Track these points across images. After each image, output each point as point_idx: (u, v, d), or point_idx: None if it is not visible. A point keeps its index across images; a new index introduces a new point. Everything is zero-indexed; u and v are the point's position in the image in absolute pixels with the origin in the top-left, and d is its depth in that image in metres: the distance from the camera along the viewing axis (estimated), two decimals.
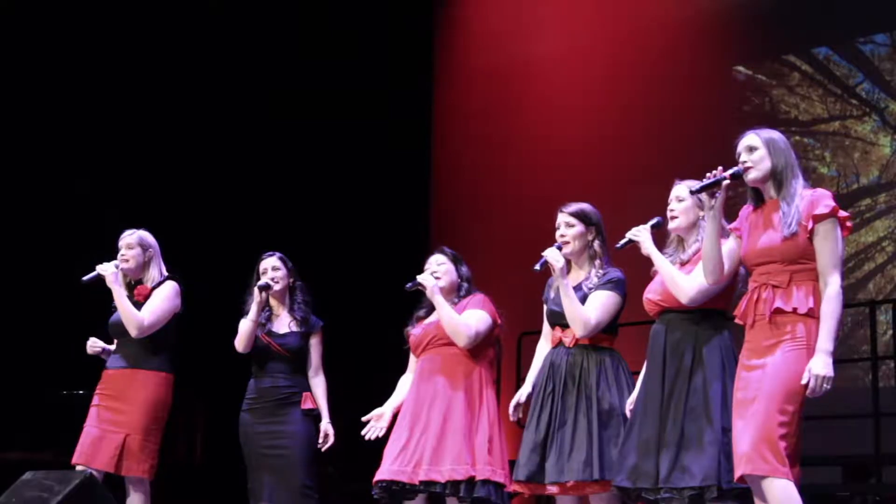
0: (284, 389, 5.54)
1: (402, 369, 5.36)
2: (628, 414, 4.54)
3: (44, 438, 7.43)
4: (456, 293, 5.18)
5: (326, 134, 9.83)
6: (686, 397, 4.28)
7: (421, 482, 4.88)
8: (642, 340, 4.54)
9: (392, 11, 10.04)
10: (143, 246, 5.53)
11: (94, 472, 5.06)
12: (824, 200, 3.93)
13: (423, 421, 4.98)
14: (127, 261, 5.49)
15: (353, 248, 9.55)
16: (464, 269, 5.23)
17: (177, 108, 9.26)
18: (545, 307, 4.90)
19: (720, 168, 4.09)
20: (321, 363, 5.66)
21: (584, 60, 9.82)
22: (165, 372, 5.41)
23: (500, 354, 5.25)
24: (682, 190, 4.47)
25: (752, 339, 3.99)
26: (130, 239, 5.54)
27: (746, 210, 4.17)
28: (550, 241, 4.81)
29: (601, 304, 4.70)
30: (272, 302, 5.68)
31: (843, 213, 3.95)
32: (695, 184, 4.20)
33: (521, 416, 4.90)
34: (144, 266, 5.53)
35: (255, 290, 5.51)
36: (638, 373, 4.59)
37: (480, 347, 5.07)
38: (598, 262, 4.80)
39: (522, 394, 4.89)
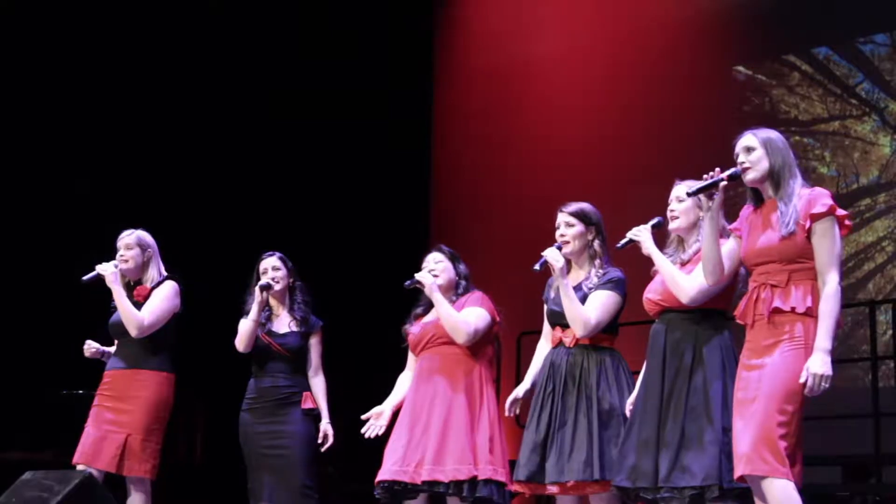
0: (284, 389, 5.55)
1: (402, 369, 5.35)
2: (628, 414, 4.53)
3: (44, 438, 7.42)
4: (454, 291, 5.18)
5: (326, 134, 9.82)
6: (686, 397, 4.28)
7: (424, 482, 4.87)
8: (642, 340, 4.53)
9: (392, 11, 10.03)
10: (142, 246, 5.52)
11: (95, 472, 5.06)
12: (822, 199, 3.92)
13: (423, 420, 4.97)
14: (126, 261, 5.48)
15: (353, 247, 9.55)
16: (461, 266, 5.23)
17: (177, 108, 9.25)
18: (545, 307, 4.90)
19: (717, 169, 4.09)
20: (321, 363, 5.66)
21: (584, 60, 9.82)
22: (166, 371, 5.41)
23: (499, 352, 5.25)
24: (682, 190, 4.46)
25: (752, 339, 3.99)
26: (129, 239, 5.52)
27: (746, 210, 4.17)
28: (550, 241, 4.80)
29: (601, 303, 4.70)
30: (272, 302, 5.68)
31: (841, 212, 3.94)
32: (693, 185, 4.20)
33: (517, 411, 4.90)
34: (143, 266, 5.52)
35: (257, 289, 5.52)
36: (638, 373, 4.59)
37: (479, 345, 5.07)
38: (598, 261, 4.80)
39: (520, 390, 4.89)
